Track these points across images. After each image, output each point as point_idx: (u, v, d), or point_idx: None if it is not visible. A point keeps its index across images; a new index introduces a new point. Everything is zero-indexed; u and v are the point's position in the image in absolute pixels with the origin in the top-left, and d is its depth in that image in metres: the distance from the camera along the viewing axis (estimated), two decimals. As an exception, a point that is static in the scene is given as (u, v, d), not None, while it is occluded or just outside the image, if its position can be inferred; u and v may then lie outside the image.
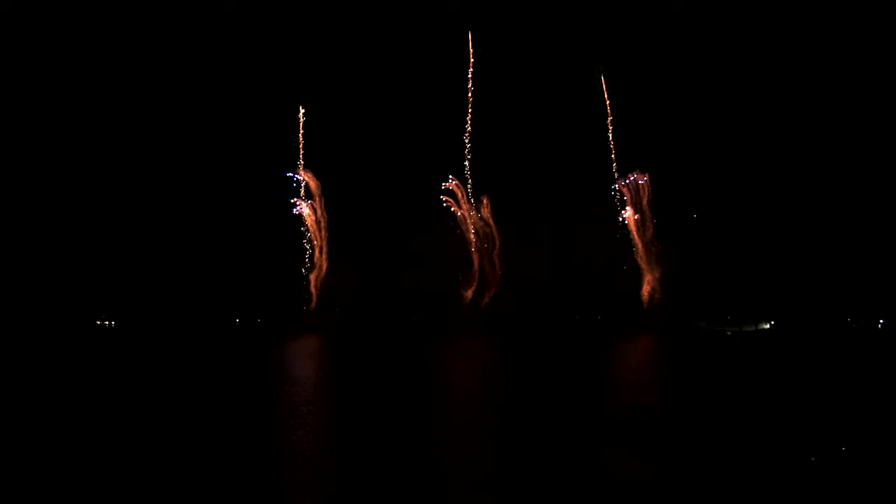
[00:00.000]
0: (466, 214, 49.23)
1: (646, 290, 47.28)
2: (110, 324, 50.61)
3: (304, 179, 50.21)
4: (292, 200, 50.18)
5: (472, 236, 49.41)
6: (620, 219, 48.12)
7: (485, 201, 48.99)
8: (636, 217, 47.52)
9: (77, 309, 49.79)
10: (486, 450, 21.28)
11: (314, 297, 50.21)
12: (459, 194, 49.71)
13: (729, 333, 47.92)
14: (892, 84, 42.43)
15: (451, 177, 49.73)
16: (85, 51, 47.90)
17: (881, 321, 44.60)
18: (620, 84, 47.62)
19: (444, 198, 49.88)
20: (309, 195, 50.19)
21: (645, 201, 46.95)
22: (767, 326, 47.80)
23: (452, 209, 49.80)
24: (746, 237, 45.51)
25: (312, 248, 50.06)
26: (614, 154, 47.68)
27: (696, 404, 31.91)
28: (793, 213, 44.78)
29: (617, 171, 48.28)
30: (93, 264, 49.56)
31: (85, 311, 50.20)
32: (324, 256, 49.74)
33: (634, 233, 47.30)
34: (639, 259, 47.30)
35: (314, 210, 49.98)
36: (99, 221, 49.37)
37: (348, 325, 49.49)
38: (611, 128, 47.02)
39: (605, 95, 46.94)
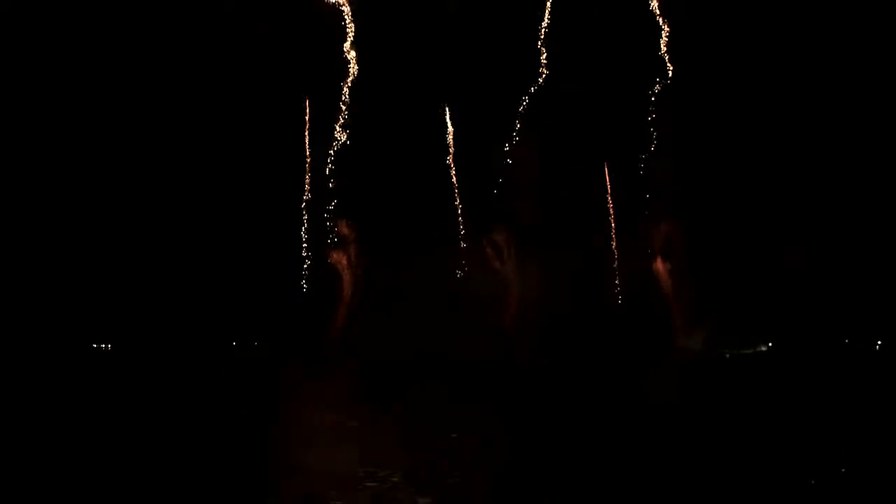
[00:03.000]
0: (510, 269, 48.12)
1: (680, 342, 46.94)
2: (106, 347, 50.38)
3: (335, 227, 48.56)
4: (326, 250, 48.89)
5: (512, 300, 48.29)
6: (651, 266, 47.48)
7: (535, 272, 47.29)
8: (668, 266, 47.03)
9: (72, 332, 49.46)
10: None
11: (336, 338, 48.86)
12: (505, 249, 48.66)
13: (727, 356, 47.91)
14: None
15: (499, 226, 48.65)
16: (84, 51, 47.34)
17: (878, 342, 44.72)
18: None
19: (487, 248, 48.98)
20: (341, 242, 48.82)
21: (677, 248, 46.20)
22: (765, 349, 47.80)
23: (494, 264, 48.79)
24: (745, 259, 45.53)
25: (340, 298, 48.68)
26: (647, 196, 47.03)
27: (698, 426, 32.02)
28: (789, 233, 44.85)
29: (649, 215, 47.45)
30: (89, 285, 49.21)
31: (81, 334, 49.87)
32: (353, 308, 48.29)
33: (665, 282, 46.90)
34: (672, 310, 46.63)
35: (348, 259, 48.79)
36: (98, 242, 48.96)
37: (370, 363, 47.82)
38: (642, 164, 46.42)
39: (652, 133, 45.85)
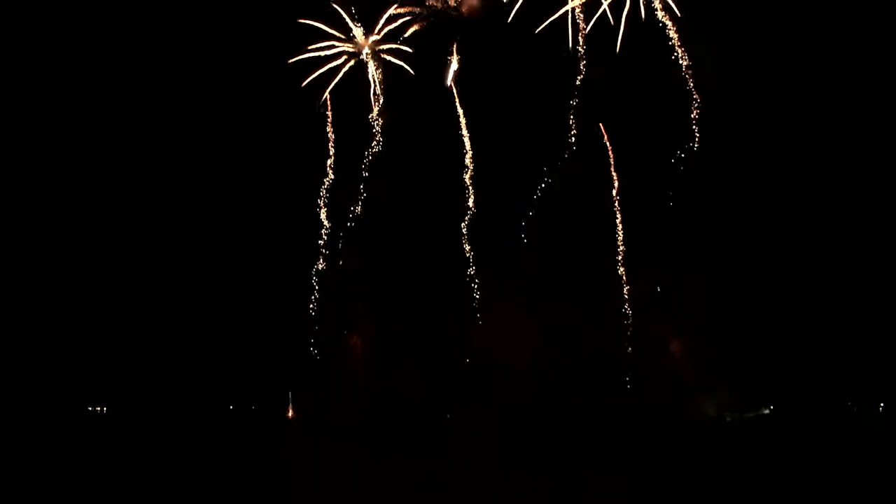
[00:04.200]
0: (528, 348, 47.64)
1: (693, 407, 46.87)
2: (102, 410, 49.40)
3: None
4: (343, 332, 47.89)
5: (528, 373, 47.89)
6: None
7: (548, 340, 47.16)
8: (684, 341, 47.07)
9: (68, 394, 48.51)
10: None
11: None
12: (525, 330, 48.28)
13: (728, 419, 47.74)
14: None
15: None
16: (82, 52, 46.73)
17: (881, 404, 44.78)
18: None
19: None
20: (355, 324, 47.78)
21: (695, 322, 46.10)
22: (767, 412, 47.65)
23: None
24: (746, 321, 45.83)
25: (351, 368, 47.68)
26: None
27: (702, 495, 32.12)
28: (790, 295, 45.34)
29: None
30: (85, 348, 48.49)
31: (76, 397, 48.88)
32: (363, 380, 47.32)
33: (680, 356, 46.84)
34: (685, 377, 46.54)
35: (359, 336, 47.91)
36: (96, 306, 48.37)
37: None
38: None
39: None
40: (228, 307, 48.18)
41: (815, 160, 43.78)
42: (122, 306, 48.63)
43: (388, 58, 43.41)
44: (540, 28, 42.71)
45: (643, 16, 41.96)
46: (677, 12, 41.40)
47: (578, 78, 44.22)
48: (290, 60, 44.42)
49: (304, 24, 44.38)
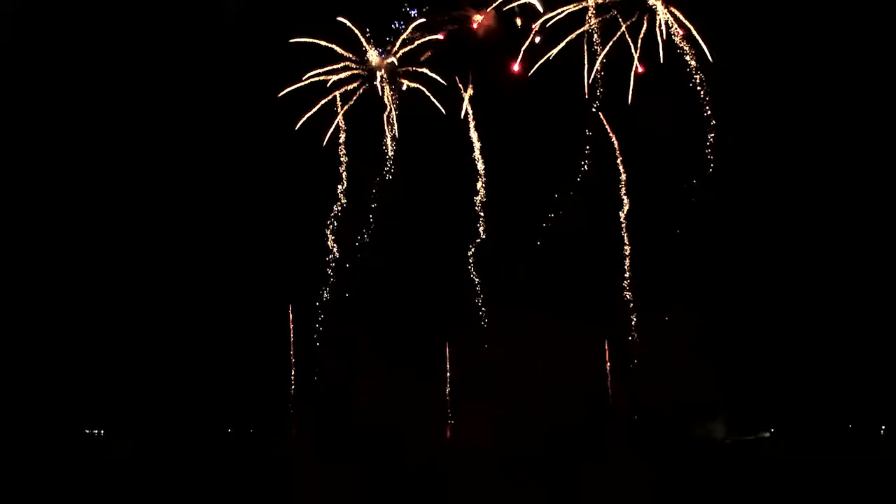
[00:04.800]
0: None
1: (700, 430, 47.15)
2: (99, 433, 48.46)
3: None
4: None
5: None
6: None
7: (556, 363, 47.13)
8: (691, 362, 47.37)
9: (65, 416, 47.51)
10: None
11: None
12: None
13: (728, 442, 48.15)
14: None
15: None
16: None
17: (882, 427, 45.45)
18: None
19: None
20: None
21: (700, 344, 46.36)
22: (767, 435, 48.09)
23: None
24: (748, 345, 46.37)
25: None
26: None
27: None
28: (791, 320, 46.03)
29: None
30: (82, 368, 47.58)
31: (73, 419, 47.89)
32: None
33: (687, 377, 47.04)
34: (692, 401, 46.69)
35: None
36: (96, 330, 47.52)
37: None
38: None
39: None
40: (231, 330, 47.73)
41: (820, 188, 44.70)
42: (122, 329, 47.99)
43: (406, 81, 43.25)
44: (555, 51, 43.32)
45: (661, 46, 42.66)
46: (697, 36, 42.04)
47: (594, 104, 44.96)
48: (300, 83, 44.16)
49: (314, 44, 44.07)
